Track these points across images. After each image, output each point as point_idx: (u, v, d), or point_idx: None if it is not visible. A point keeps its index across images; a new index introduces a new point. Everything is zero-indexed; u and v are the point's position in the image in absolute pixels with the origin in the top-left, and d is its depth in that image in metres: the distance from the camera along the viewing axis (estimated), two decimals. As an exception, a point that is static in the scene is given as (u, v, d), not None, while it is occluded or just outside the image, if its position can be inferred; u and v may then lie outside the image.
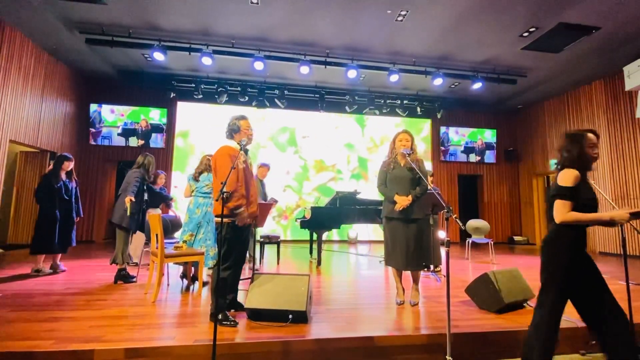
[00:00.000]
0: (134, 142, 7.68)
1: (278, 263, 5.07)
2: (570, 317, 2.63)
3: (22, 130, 5.71)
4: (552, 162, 8.14)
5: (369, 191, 7.56)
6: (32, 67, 5.90)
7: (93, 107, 7.56)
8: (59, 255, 4.19)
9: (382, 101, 8.01)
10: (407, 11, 5.03)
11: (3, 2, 4.77)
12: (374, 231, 8.36)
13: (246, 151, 2.59)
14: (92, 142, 7.54)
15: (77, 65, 6.96)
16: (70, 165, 4.16)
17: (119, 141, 7.65)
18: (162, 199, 4.62)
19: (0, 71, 5.16)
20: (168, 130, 7.88)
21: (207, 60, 6.04)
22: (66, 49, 6.22)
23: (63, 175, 4.10)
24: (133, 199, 3.56)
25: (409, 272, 3.08)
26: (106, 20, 5.41)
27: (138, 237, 4.32)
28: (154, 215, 3.18)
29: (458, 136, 9.08)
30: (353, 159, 8.64)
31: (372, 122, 8.77)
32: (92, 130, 7.54)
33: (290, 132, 8.41)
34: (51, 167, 4.13)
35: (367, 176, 8.63)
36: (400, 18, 5.20)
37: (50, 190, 3.98)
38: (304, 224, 4.99)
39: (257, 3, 4.91)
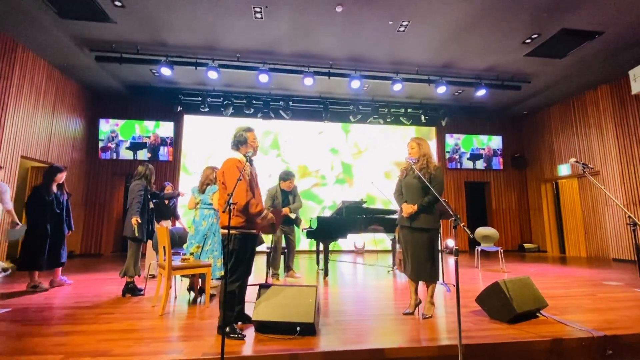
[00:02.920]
0: (141, 155, 7.79)
1: (285, 273, 5.02)
2: (586, 326, 2.57)
3: (33, 146, 5.85)
4: (561, 167, 8.05)
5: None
6: (44, 85, 6.07)
7: (104, 124, 7.71)
8: (59, 270, 4.03)
9: (386, 110, 8.05)
10: (409, 22, 5.09)
11: (16, 22, 4.94)
12: (380, 241, 8.28)
13: (251, 162, 2.60)
14: (102, 157, 7.68)
15: (87, 82, 7.15)
16: (63, 177, 3.97)
17: (127, 154, 7.77)
18: (170, 197, 4.62)
19: (13, 89, 5.32)
20: (175, 143, 7.99)
21: (213, 74, 6.16)
22: (77, 67, 6.41)
23: (54, 188, 3.89)
24: (139, 220, 3.55)
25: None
26: (115, 37, 5.57)
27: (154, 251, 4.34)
28: (161, 228, 3.21)
29: (461, 142, 9.06)
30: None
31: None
32: (102, 144, 7.68)
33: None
34: (42, 179, 3.93)
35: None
36: (402, 28, 5.26)
37: (41, 203, 3.77)
38: (310, 234, 4.98)
39: (262, 18, 5.01)
